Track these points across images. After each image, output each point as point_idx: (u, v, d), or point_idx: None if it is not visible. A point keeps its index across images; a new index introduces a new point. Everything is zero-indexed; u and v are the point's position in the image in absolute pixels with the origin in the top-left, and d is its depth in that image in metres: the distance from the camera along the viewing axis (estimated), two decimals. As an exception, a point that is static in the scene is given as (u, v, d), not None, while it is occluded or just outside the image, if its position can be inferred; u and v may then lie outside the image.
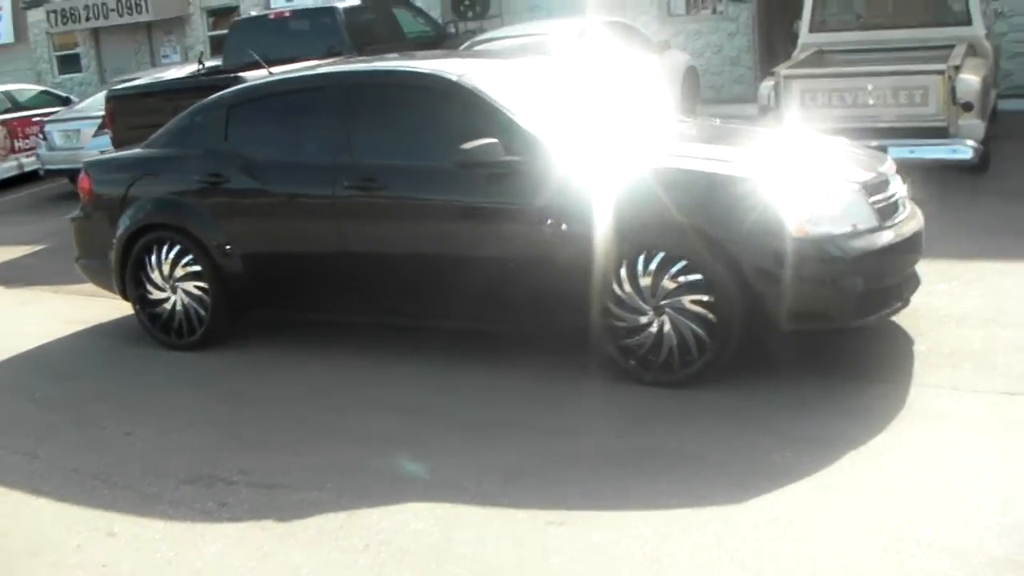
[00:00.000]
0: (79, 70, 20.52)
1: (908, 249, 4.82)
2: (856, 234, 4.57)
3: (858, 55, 9.33)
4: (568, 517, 3.68)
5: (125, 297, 6.22)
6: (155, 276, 6.02)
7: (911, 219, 4.98)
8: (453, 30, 13.05)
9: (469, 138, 4.92)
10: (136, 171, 6.18)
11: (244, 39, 11.97)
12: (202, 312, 5.93)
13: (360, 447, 4.48)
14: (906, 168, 7.26)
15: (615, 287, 4.74)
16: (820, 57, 9.47)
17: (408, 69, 5.56)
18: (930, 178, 7.95)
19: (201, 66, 11.52)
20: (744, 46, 14.08)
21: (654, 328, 4.71)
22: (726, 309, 4.56)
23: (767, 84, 8.52)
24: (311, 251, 5.62)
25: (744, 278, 4.52)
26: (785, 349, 4.88)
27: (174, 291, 5.98)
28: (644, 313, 4.72)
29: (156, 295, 6.05)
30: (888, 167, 5.14)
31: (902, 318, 5.20)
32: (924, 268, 5.30)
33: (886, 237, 4.66)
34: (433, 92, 5.27)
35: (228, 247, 5.75)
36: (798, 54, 9.72)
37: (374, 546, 3.62)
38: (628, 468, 4.03)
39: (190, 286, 5.93)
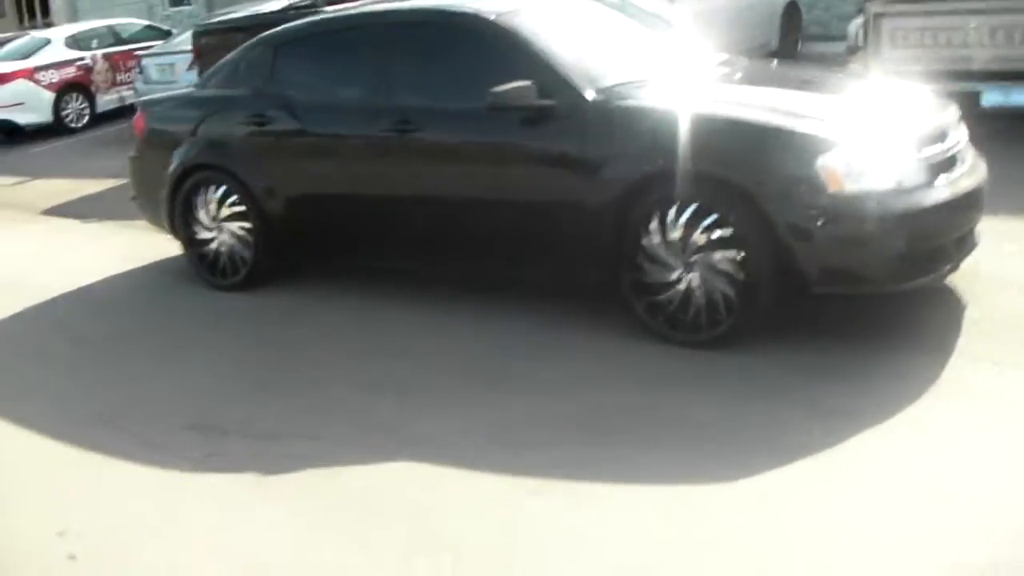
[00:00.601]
0: (188, 2, 20.83)
1: (962, 208, 4.45)
2: (901, 191, 4.24)
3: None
4: (548, 487, 3.55)
5: (176, 236, 6.28)
6: (202, 216, 6.06)
7: (971, 174, 4.59)
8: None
9: (506, 80, 4.73)
10: (187, 111, 6.21)
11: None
12: (246, 253, 5.95)
13: (367, 394, 4.42)
14: (995, 115, 6.86)
15: (644, 240, 4.53)
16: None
17: (446, 8, 5.37)
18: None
19: (294, -2, 11.48)
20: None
21: (683, 285, 4.49)
22: (756, 267, 4.30)
23: (856, 21, 8.03)
24: (350, 194, 5.54)
25: (776, 234, 4.24)
26: (826, 313, 4.64)
27: (220, 231, 6.02)
28: (673, 268, 4.50)
29: (203, 235, 6.10)
30: (949, 116, 4.75)
31: (958, 280, 4.85)
32: (994, 226, 4.97)
33: (936, 195, 4.31)
34: (471, 32, 5.09)
35: (271, 188, 5.74)
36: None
37: (345, 508, 3.57)
38: (624, 435, 3.86)
39: (235, 227, 5.95)
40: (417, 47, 5.29)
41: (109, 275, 6.66)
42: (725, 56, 5.68)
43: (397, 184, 5.32)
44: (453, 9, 5.30)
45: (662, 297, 4.56)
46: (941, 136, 4.51)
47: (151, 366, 5.02)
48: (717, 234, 4.36)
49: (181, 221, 6.17)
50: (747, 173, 4.29)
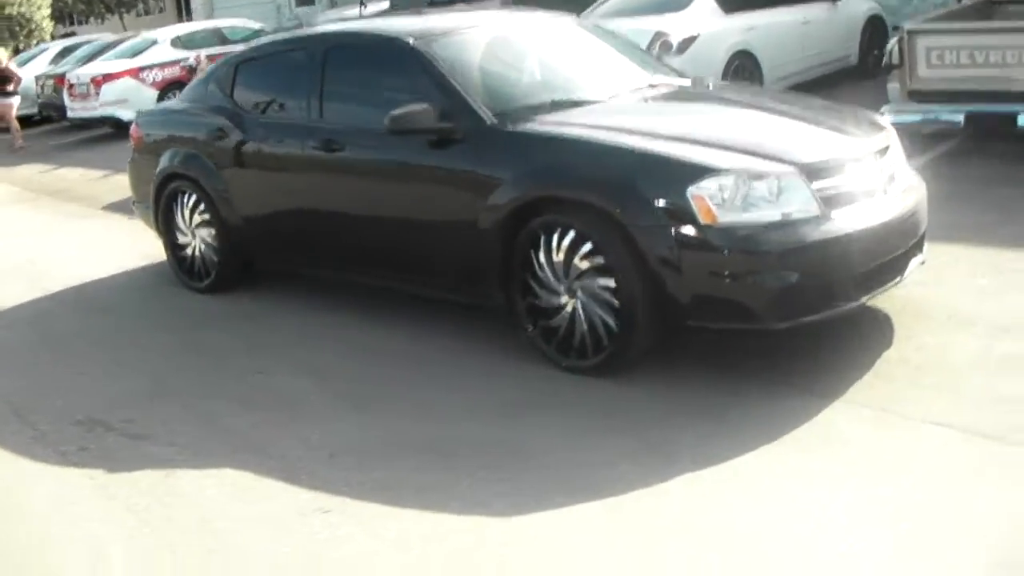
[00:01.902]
0: (313, 2, 21.57)
1: (870, 242, 4.15)
2: (786, 223, 3.99)
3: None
4: (339, 505, 3.55)
5: (161, 239, 6.54)
6: (179, 222, 6.31)
7: (894, 205, 4.30)
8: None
9: (421, 101, 4.74)
10: (168, 123, 6.48)
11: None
12: (214, 258, 6.14)
13: (246, 408, 4.49)
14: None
15: (535, 263, 4.44)
16: (989, 7, 8.32)
17: (371, 31, 5.44)
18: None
19: (363, 7, 11.79)
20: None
21: (568, 310, 4.37)
22: (628, 297, 4.14)
23: (894, 40, 7.58)
24: (290, 208, 5.67)
25: (647, 264, 4.07)
26: (729, 345, 4.40)
27: (194, 237, 6.23)
28: (560, 293, 4.39)
29: (181, 239, 6.34)
30: (875, 144, 4.45)
31: (900, 313, 4.63)
32: (986, 256, 5.01)
33: (832, 228, 4.04)
34: (391, 55, 5.12)
35: (228, 199, 5.92)
36: (964, 2, 8.61)
37: (154, 509, 3.67)
38: (452, 459, 3.81)
39: (204, 233, 6.16)
40: (347, 69, 5.39)
41: (118, 272, 6.98)
42: (686, 79, 5.46)
43: (325, 199, 5.43)
44: (377, 32, 5.39)
45: (552, 322, 4.45)
46: (845, 165, 4.22)
47: (91, 366, 5.26)
48: (595, 261, 4.22)
49: (164, 226, 6.42)
50: (617, 200, 4.14)
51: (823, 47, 10.43)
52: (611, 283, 4.18)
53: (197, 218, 6.16)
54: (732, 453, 3.62)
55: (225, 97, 6.02)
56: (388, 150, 4.95)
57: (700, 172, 4.01)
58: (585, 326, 4.33)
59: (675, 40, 9.11)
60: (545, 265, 4.40)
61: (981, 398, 3.86)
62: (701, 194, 3.97)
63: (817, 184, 4.09)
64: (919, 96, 7.41)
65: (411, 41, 5.04)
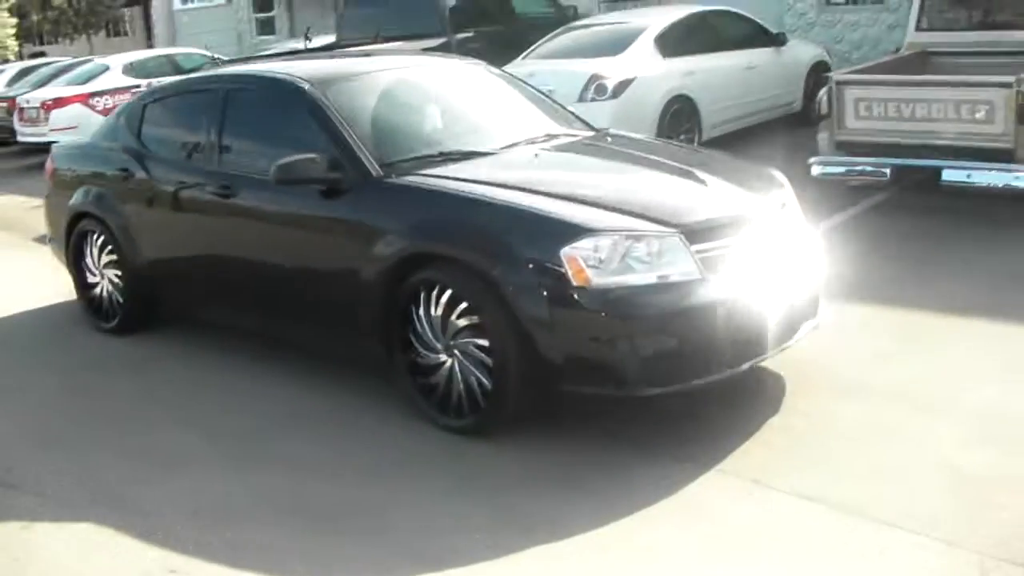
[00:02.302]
0: (274, 32, 21.58)
1: (754, 306, 4.10)
2: (661, 287, 3.94)
3: (969, 58, 8.12)
4: (184, 565, 3.50)
5: (72, 277, 6.43)
6: (88, 261, 6.22)
7: (783, 266, 4.27)
8: (572, 12, 12.57)
9: (308, 149, 4.68)
10: (81, 159, 6.39)
11: (356, 15, 12.18)
12: (119, 300, 6.04)
13: (127, 460, 4.39)
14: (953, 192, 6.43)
15: (414, 319, 4.36)
16: (923, 59, 8.34)
17: (268, 74, 5.36)
18: (983, 208, 6.97)
19: (307, 40, 11.75)
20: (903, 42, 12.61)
21: (447, 368, 4.30)
22: (502, 357, 4.07)
23: (823, 90, 7.58)
24: (189, 252, 5.61)
25: (520, 325, 4.00)
26: (607, 410, 4.32)
27: (102, 276, 6.13)
28: (438, 351, 4.31)
29: (91, 279, 6.24)
30: (770, 201, 4.43)
31: (792, 378, 4.60)
32: (884, 317, 5.10)
33: (710, 292, 3.98)
34: (287, 99, 5.05)
35: (133, 239, 5.83)
36: (900, 53, 8.64)
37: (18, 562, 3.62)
38: (309, 520, 3.74)
39: (111, 274, 6.06)
40: (245, 111, 5.31)
41: (32, 308, 6.83)
42: (590, 131, 5.42)
43: (221, 245, 5.35)
44: (274, 75, 5.30)
45: (431, 379, 4.37)
46: (736, 227, 4.18)
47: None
48: (471, 319, 4.15)
49: (74, 264, 6.32)
50: (491, 258, 4.09)
51: (766, 93, 10.44)
52: (485, 343, 4.11)
53: (105, 258, 6.06)
54: (591, 524, 3.56)
55: (132, 136, 5.94)
56: (280, 198, 4.87)
57: (575, 232, 3.96)
58: (462, 385, 4.26)
59: (610, 83, 9.09)
60: (424, 321, 4.32)
61: (855, 471, 3.80)
62: (575, 255, 3.91)
63: (699, 246, 4.04)
64: (847, 147, 7.42)
65: (305, 86, 4.98)
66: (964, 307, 5.35)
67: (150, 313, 6.03)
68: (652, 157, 4.91)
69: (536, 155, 4.86)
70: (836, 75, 7.50)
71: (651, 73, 9.32)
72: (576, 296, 3.90)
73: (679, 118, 9.47)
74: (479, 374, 4.16)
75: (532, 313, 3.96)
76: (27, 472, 4.31)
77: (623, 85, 9.14)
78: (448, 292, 4.19)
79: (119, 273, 5.98)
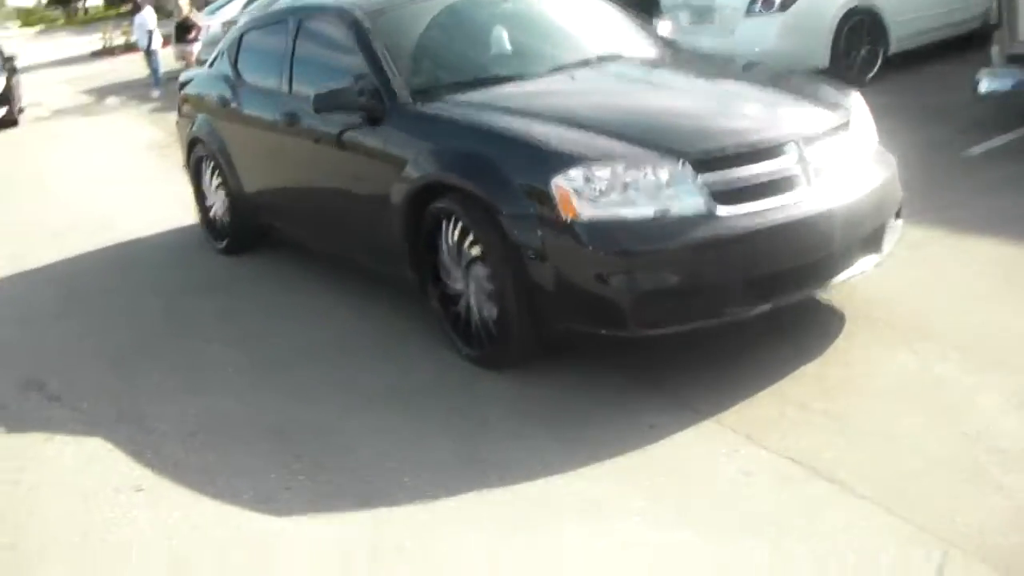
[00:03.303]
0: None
1: (774, 242, 3.68)
2: (660, 221, 3.60)
3: None
4: (154, 484, 3.62)
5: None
6: (205, 185, 6.51)
7: (821, 198, 3.78)
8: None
9: (359, 76, 4.65)
10: (198, 89, 6.64)
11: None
12: (227, 221, 6.29)
13: (167, 377, 4.60)
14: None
15: (439, 248, 4.25)
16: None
17: (330, 3, 5.27)
18: None
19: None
20: None
21: (465, 298, 4.17)
22: (501, 291, 3.90)
23: (995, -5, 6.65)
24: (270, 177, 5.74)
25: (517, 258, 3.80)
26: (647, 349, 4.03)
27: (216, 199, 6.40)
28: (458, 280, 4.20)
29: (209, 202, 6.53)
30: (815, 124, 3.95)
31: (857, 317, 4.16)
32: (996, 254, 4.59)
33: (717, 226, 3.60)
34: (342, 28, 4.97)
35: (232, 165, 6.04)
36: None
37: (7, 473, 3.86)
38: (286, 445, 3.79)
39: (220, 196, 6.30)
40: (311, 41, 5.30)
41: (173, 228, 7.23)
42: (657, 48, 5.02)
43: (292, 169, 5.44)
44: (334, 5, 5.22)
45: (457, 307, 4.25)
46: (758, 155, 3.74)
47: (77, 324, 5.52)
48: (477, 249, 3.99)
49: (195, 188, 6.66)
50: (488, 186, 3.89)
51: (960, 3, 9.27)
52: (488, 272, 3.94)
53: (215, 181, 6.33)
54: (551, 471, 3.36)
55: (231, 66, 6.11)
56: (332, 124, 4.84)
57: (566, 161, 3.68)
58: (477, 316, 4.11)
59: (778, -5, 8.41)
60: (445, 250, 4.21)
61: (863, 436, 3.35)
62: (564, 185, 3.63)
63: (711, 176, 3.65)
64: (1020, 61, 6.48)
65: (356, 14, 4.90)
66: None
67: (254, 234, 6.23)
68: (697, 78, 4.44)
69: (572, 78, 4.54)
70: (1009, -25, 6.52)
71: (825, -18, 8.53)
72: (566, 228, 3.64)
73: (858, 32, 8.63)
74: (489, 304, 4.01)
75: (526, 243, 3.75)
76: (80, 387, 4.60)
77: (792, -2, 8.44)
78: (460, 221, 4.04)
79: (226, 196, 6.21)
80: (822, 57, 8.51)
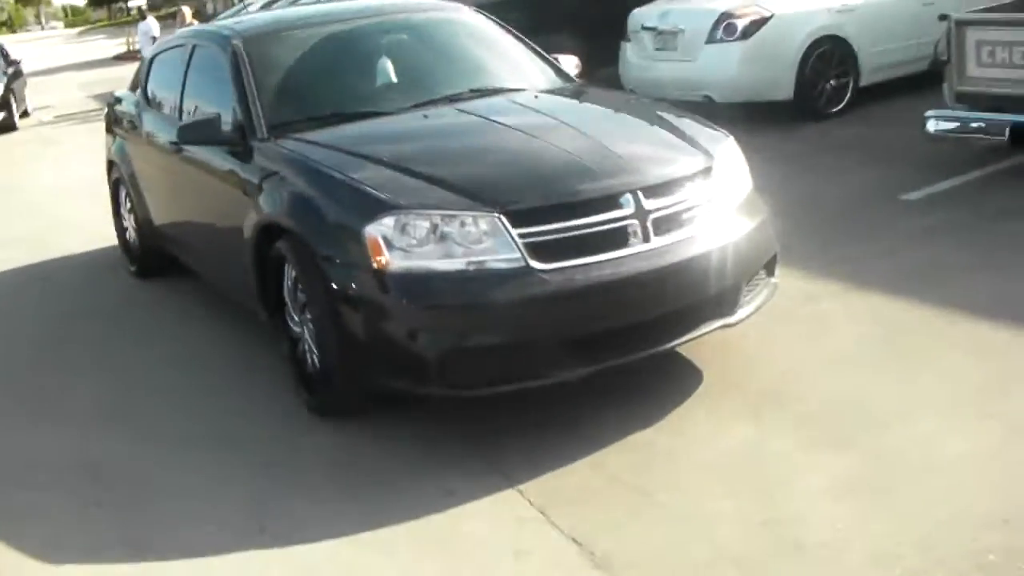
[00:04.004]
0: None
1: (599, 300, 3.45)
2: (472, 275, 3.40)
3: None
4: None
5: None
6: (121, 207, 6.42)
7: (658, 253, 3.55)
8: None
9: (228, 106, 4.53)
10: (122, 108, 6.44)
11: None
12: (136, 244, 6.19)
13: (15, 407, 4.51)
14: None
15: (284, 289, 4.09)
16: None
17: (213, 29, 5.20)
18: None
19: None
20: None
21: (303, 341, 3.99)
22: (322, 336, 3.73)
23: (943, 30, 6.33)
24: (162, 202, 5.65)
25: (334, 305, 3.62)
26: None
27: (129, 222, 6.31)
28: (298, 324, 4.02)
29: (124, 224, 6.43)
30: (670, 174, 3.73)
31: (717, 376, 3.96)
32: (889, 315, 4.36)
33: (532, 282, 3.38)
34: (222, 54, 4.80)
35: (138, 188, 5.99)
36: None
37: None
38: (66, 487, 3.71)
39: (131, 220, 6.20)
40: (200, 67, 5.13)
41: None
42: (544, 84, 4.82)
43: (179, 195, 5.34)
44: (217, 30, 5.14)
45: (298, 351, 4.08)
46: (592, 207, 3.52)
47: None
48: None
49: (113, 208, 6.62)
50: (311, 231, 3.75)
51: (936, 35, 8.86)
52: (311, 318, 3.78)
53: (127, 204, 6.22)
54: (338, 533, 3.19)
55: (141, 89, 6.01)
56: (210, 155, 4.67)
57: (379, 209, 3.50)
58: (310, 361, 3.93)
59: (741, 23, 8.14)
60: (286, 292, 4.04)
61: (662, 519, 3.12)
62: (375, 234, 3.46)
63: (528, 229, 3.43)
64: (969, 100, 6.16)
65: (234, 42, 4.74)
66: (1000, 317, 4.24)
67: (162, 259, 6.08)
68: (563, 119, 4.19)
69: (425, 116, 4.34)
70: (956, 15, 6.21)
71: (792, 10, 8.23)
72: (376, 279, 3.46)
73: (827, 62, 8.32)
74: (315, 350, 3.85)
75: (342, 292, 3.58)
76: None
77: (756, 24, 8.17)
78: (290, 264, 3.89)
79: (134, 220, 6.11)
80: (786, 88, 8.22)
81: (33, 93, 17.63)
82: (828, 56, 8.32)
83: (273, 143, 4.23)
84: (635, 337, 3.55)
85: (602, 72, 10.14)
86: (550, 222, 3.46)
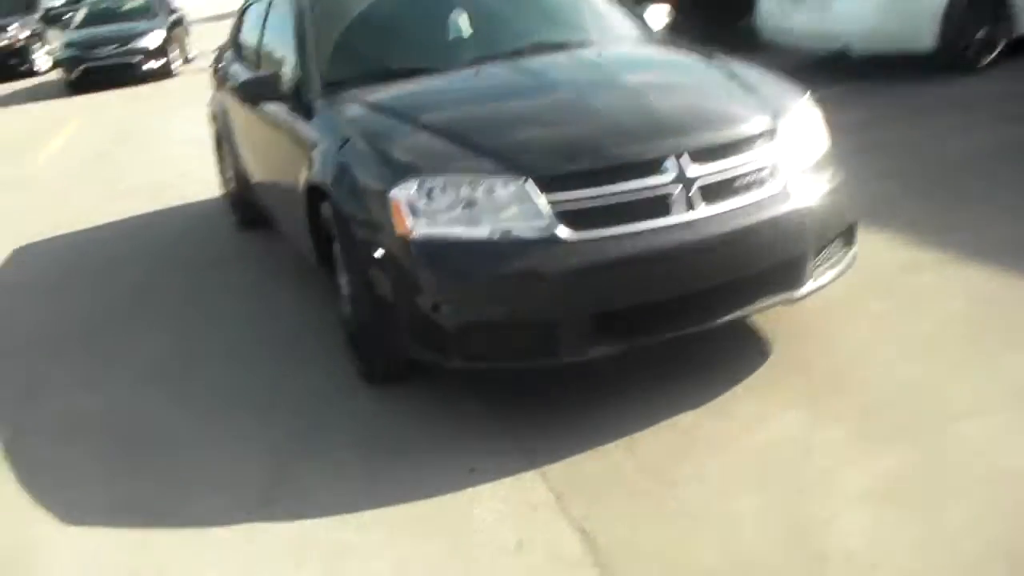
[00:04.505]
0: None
1: (626, 272, 3.20)
2: (496, 243, 3.21)
3: None
4: None
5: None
6: (223, 160, 6.50)
7: (704, 223, 3.27)
8: None
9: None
10: (222, 62, 6.52)
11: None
12: (236, 196, 6.27)
13: (84, 361, 4.62)
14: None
15: (334, 248, 4.00)
16: None
17: None
18: None
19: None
20: None
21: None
22: (356, 301, 3.66)
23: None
24: (248, 153, 5.60)
25: (367, 275, 3.52)
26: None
27: (229, 175, 6.38)
28: (343, 286, 3.94)
29: (227, 175, 6.51)
30: (723, 137, 3.42)
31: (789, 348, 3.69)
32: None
33: (557, 253, 3.16)
34: (291, 10, 4.71)
35: (232, 141, 6.02)
36: None
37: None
38: (112, 443, 3.79)
39: (230, 172, 6.27)
40: (276, 21, 5.05)
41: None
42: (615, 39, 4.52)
43: (257, 147, 5.29)
44: None
45: (346, 313, 4.00)
46: (631, 171, 3.26)
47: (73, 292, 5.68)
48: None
49: (218, 162, 6.70)
50: (344, 194, 3.63)
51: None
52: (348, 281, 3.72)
53: (228, 156, 6.29)
54: (346, 509, 3.10)
55: (233, 40, 6.04)
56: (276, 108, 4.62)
57: (404, 172, 3.34)
58: (352, 326, 3.86)
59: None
60: (335, 252, 3.96)
61: (679, 515, 2.88)
62: (399, 198, 3.31)
63: (558, 196, 3.21)
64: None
65: None
66: None
67: (257, 213, 6.13)
68: (622, 75, 3.89)
69: (477, 74, 4.12)
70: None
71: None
72: (400, 245, 3.32)
73: (976, 10, 7.59)
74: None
75: (370, 256, 3.46)
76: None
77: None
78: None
79: (232, 172, 6.17)
80: (929, 38, 7.55)
81: (197, 40, 18.21)
82: (977, 3, 7.59)
83: (328, 100, 4.12)
84: (675, 313, 3.29)
85: (742, 23, 9.69)
86: (581, 188, 3.23)
